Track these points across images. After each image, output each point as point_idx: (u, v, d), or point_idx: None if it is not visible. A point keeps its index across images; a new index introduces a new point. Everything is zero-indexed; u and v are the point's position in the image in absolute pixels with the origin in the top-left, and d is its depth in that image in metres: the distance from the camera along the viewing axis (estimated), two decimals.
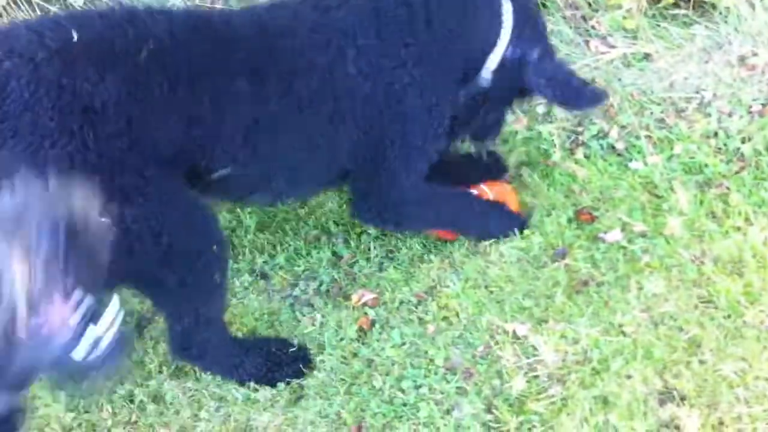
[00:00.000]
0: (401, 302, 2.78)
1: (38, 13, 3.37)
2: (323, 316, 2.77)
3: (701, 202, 2.88)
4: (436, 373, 2.57)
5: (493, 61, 2.57)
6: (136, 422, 2.59)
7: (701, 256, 2.72)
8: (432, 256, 2.89)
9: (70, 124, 1.87)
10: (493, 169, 3.05)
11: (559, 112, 3.27)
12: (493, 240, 2.89)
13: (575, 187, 3.05)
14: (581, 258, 2.80)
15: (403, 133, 2.49)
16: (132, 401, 2.64)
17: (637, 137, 3.15)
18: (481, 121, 2.80)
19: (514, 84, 2.65)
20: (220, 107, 2.15)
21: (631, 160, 3.11)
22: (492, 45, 2.55)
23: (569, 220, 2.93)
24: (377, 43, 2.37)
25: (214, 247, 2.26)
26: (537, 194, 3.05)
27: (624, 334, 2.56)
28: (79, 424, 2.60)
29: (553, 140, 3.21)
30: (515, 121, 3.27)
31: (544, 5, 3.40)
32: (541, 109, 3.28)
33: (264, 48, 2.26)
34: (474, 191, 2.93)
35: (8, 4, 3.31)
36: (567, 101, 2.65)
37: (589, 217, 2.94)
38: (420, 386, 2.55)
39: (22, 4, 3.34)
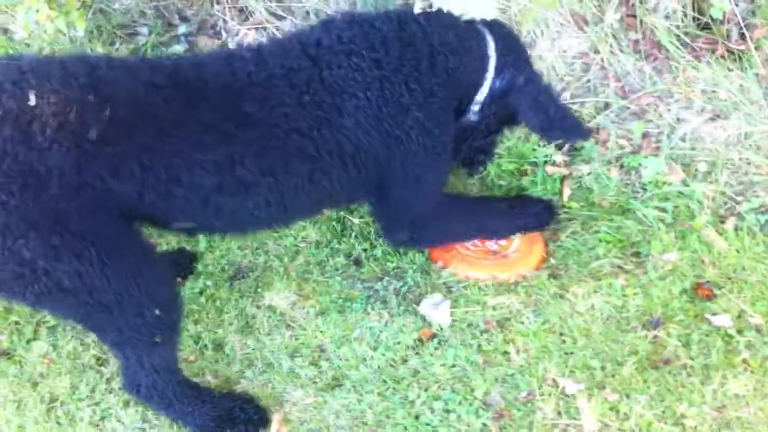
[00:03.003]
0: (469, 324, 2.67)
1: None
2: (391, 316, 2.74)
3: None
4: (471, 404, 2.45)
5: (482, 94, 2.50)
6: (192, 361, 2.73)
7: None
8: (519, 288, 2.74)
9: (11, 185, 1.85)
10: None
11: (723, 175, 2.92)
12: (585, 290, 2.67)
13: (706, 257, 2.72)
14: (676, 334, 2.51)
15: (404, 169, 2.42)
16: (197, 342, 2.79)
17: None
18: (471, 148, 2.72)
19: (502, 113, 2.56)
20: (174, 177, 2.07)
21: None
22: (481, 80, 2.49)
23: (683, 291, 2.64)
24: (379, 94, 2.28)
25: (157, 310, 2.18)
26: (663, 253, 2.76)
27: (683, 426, 2.28)
28: None
29: (704, 203, 2.87)
30: (670, 172, 2.97)
31: (739, 58, 3.04)
32: (702, 167, 2.95)
33: (235, 114, 2.14)
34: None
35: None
36: (548, 127, 2.49)
37: (708, 294, 2.62)
38: (450, 411, 2.45)
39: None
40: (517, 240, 2.86)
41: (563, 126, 2.49)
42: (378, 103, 2.29)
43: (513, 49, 2.56)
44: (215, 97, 2.13)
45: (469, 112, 2.56)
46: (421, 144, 2.39)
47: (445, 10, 2.50)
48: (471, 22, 2.57)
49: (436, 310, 2.71)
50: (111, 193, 1.99)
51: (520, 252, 2.82)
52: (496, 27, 2.59)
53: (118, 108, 1.98)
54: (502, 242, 2.88)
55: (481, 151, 2.77)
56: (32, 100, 1.89)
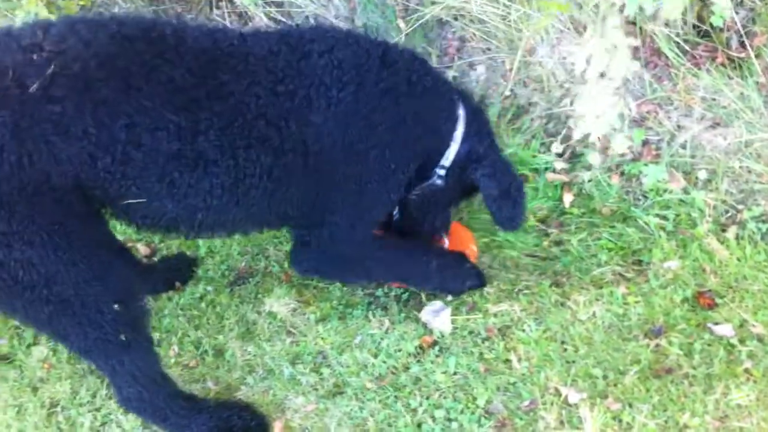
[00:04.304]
0: (470, 332, 2.67)
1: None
2: (392, 323, 2.74)
3: None
4: (473, 413, 2.45)
5: (448, 157, 2.46)
6: (193, 368, 2.73)
7: None
8: (521, 295, 2.74)
9: None
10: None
11: (724, 183, 2.93)
12: (586, 298, 2.67)
13: (708, 266, 2.72)
14: (678, 343, 2.51)
15: (355, 191, 2.33)
16: (198, 348, 2.79)
17: None
18: (430, 221, 2.69)
19: (464, 181, 2.52)
20: (134, 138, 1.93)
21: None
22: (448, 141, 2.45)
23: (685, 299, 2.64)
24: (352, 99, 2.18)
25: (116, 305, 2.11)
26: (664, 261, 2.76)
27: None
28: None
29: (705, 211, 2.87)
30: (671, 180, 2.98)
31: (739, 66, 3.05)
32: (703, 175, 2.95)
33: (208, 81, 2.01)
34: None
35: None
36: (504, 197, 2.49)
37: (710, 303, 2.62)
38: (452, 420, 2.45)
39: None
40: (446, 244, 2.86)
41: (517, 200, 2.51)
42: (349, 108, 2.19)
43: (479, 120, 2.53)
44: (191, 59, 2.00)
45: (434, 175, 2.49)
46: (375, 170, 2.30)
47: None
48: (447, 83, 2.53)
49: (437, 317, 2.71)
50: (59, 161, 1.86)
51: None
52: (466, 95, 2.57)
53: (72, 63, 1.85)
54: None
55: (442, 225, 2.76)
56: None
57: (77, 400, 2.66)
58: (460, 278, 2.74)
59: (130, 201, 2.04)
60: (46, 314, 2.03)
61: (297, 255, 2.55)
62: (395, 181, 2.41)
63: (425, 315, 2.73)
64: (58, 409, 2.66)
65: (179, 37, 2.02)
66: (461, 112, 2.46)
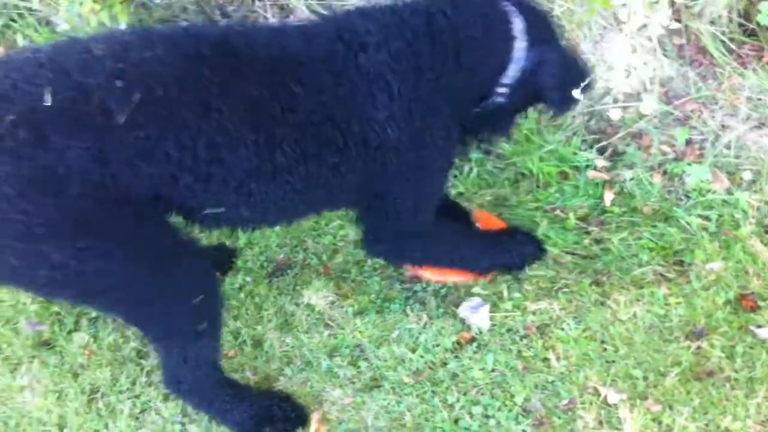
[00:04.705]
0: (509, 329, 2.66)
1: None
2: (429, 318, 2.74)
3: None
4: (510, 410, 2.45)
5: (509, 76, 2.34)
6: (232, 358, 2.75)
7: None
8: (560, 294, 2.72)
9: (30, 191, 1.76)
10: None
11: None
12: (627, 298, 2.65)
13: (751, 268, 2.69)
14: (720, 345, 2.49)
15: (418, 174, 2.31)
16: (236, 338, 2.81)
17: None
18: (493, 127, 2.58)
19: (531, 92, 2.39)
20: (215, 157, 1.97)
21: None
22: (506, 62, 2.32)
23: (727, 302, 2.61)
24: (413, 88, 2.16)
25: (197, 299, 2.14)
26: (706, 262, 2.74)
27: None
28: None
29: (749, 212, 2.84)
30: (715, 180, 2.95)
31: None
32: (747, 176, 2.92)
33: (280, 94, 2.03)
34: None
35: None
36: (564, 102, 2.42)
37: (753, 305, 2.59)
38: (489, 417, 2.45)
39: None
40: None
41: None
42: (410, 97, 2.17)
43: (540, 28, 2.39)
44: (263, 71, 2.03)
45: (493, 95, 2.37)
46: (436, 145, 2.28)
47: None
48: (492, 8, 2.40)
49: (475, 313, 2.71)
50: (141, 181, 1.89)
51: None
52: (524, 5, 2.43)
53: (155, 87, 1.87)
54: None
55: (501, 128, 2.64)
56: (48, 100, 1.76)
57: (117, 386, 2.69)
58: (517, 250, 2.76)
59: (208, 212, 2.09)
60: (119, 312, 2.12)
61: (370, 240, 2.55)
62: (455, 140, 2.38)
63: (463, 311, 2.73)
64: (98, 395, 2.69)
65: (251, 48, 2.04)
66: (518, 26, 2.32)
